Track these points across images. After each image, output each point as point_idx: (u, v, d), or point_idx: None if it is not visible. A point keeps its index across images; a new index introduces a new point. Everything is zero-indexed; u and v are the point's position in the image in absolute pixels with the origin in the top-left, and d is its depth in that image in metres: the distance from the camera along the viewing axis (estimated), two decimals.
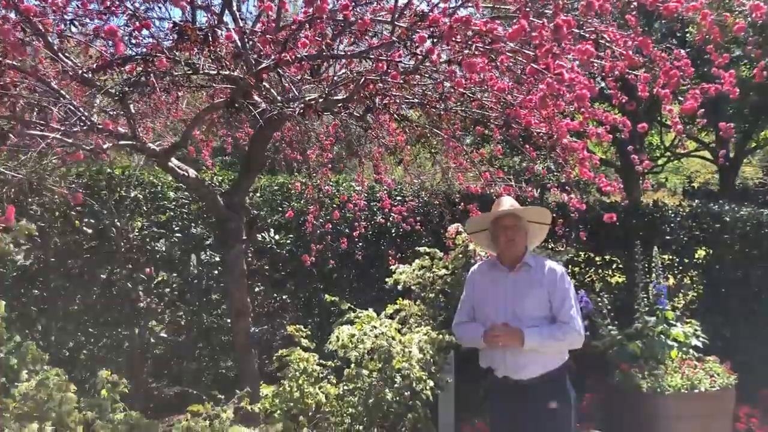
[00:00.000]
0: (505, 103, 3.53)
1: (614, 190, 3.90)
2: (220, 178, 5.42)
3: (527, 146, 4.23)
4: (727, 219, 6.04)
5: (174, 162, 3.56)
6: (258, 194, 5.64)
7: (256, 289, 5.47)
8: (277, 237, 5.51)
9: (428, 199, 6.56)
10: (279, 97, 3.70)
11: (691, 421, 4.47)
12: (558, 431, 3.18)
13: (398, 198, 6.26)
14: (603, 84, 7.29)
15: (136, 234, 4.82)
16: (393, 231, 6.34)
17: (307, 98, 3.57)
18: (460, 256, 5.19)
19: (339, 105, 3.79)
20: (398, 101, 3.57)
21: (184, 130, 3.54)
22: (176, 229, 5.07)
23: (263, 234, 5.44)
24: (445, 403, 5.13)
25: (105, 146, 3.04)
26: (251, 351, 4.04)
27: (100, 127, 3.26)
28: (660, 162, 12.62)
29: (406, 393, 4.63)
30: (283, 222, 5.65)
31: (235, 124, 5.42)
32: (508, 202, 3.45)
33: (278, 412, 4.34)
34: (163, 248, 4.88)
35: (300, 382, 4.49)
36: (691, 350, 4.86)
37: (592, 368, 5.48)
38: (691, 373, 4.56)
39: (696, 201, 6.57)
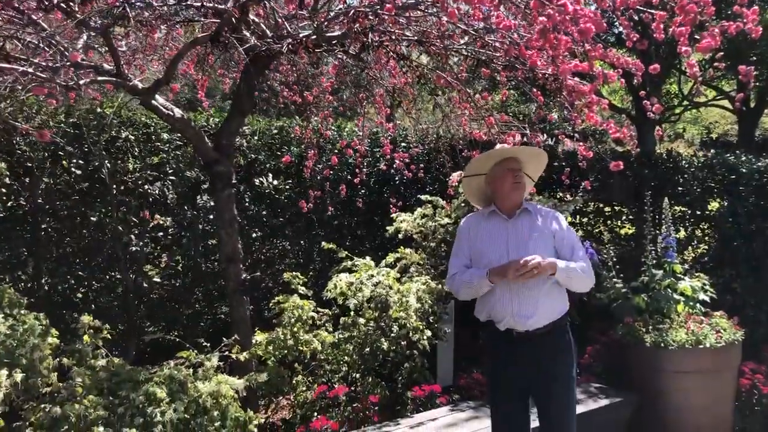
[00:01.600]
0: (511, 42, 3.31)
1: (624, 137, 3.70)
2: (217, 120, 5.24)
3: (534, 90, 4.01)
4: (743, 170, 5.81)
5: (159, 100, 3.39)
6: (256, 138, 5.47)
7: (254, 235, 5.35)
8: (275, 182, 5.36)
9: (432, 145, 6.38)
10: (269, 33, 3.50)
11: (695, 377, 4.36)
12: (564, 384, 3.05)
13: (402, 145, 6.08)
14: (620, 28, 6.97)
15: (129, 176, 4.68)
16: (396, 178, 6.17)
17: (298, 34, 3.37)
18: (463, 205, 5.03)
19: (334, 42, 3.59)
20: (396, 38, 3.35)
21: (167, 66, 3.35)
22: (170, 172, 4.92)
23: (261, 179, 5.29)
24: (444, 353, 5.05)
25: (82, 82, 2.87)
26: (243, 297, 3.94)
27: (80, 62, 3.09)
28: (677, 111, 12.24)
29: (402, 343, 4.55)
30: (282, 167, 5.49)
31: (230, 64, 5.22)
32: (509, 148, 3.25)
33: (271, 359, 4.28)
34: (157, 191, 4.74)
35: (295, 329, 4.42)
36: (698, 305, 4.71)
37: (595, 320, 5.37)
38: (697, 329, 4.42)
39: (712, 151, 6.32)
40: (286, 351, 4.33)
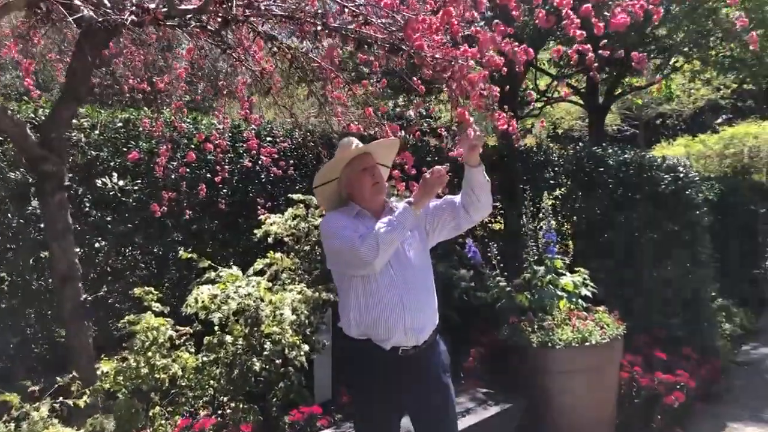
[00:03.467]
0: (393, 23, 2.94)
1: (513, 129, 3.45)
2: (49, 111, 4.44)
3: (415, 78, 3.67)
4: (611, 162, 5.86)
5: None
6: (97, 131, 4.72)
7: (97, 245, 4.61)
8: (121, 183, 4.65)
9: (302, 139, 5.90)
10: (107, 2, 2.87)
11: (581, 375, 4.25)
12: (446, 396, 2.71)
13: (268, 139, 5.56)
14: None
15: None
16: (263, 176, 5.64)
17: (144, 3, 2.78)
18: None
19: (189, 17, 3.03)
20: (264, 12, 2.86)
21: None
22: None
23: (104, 179, 4.56)
24: (322, 366, 4.61)
25: None
26: (83, 322, 3.28)
27: None
28: (538, 106, 12.60)
29: (277, 361, 4.07)
30: (130, 165, 4.78)
31: (64, 46, 4.47)
32: (355, 143, 2.79)
33: (122, 391, 3.64)
34: None
35: (150, 354, 3.80)
36: (580, 300, 4.63)
37: (477, 320, 5.17)
38: (582, 325, 4.32)
39: (580, 144, 6.37)
40: (140, 380, 3.72)
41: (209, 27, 3.01)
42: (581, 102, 13.00)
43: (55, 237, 3.06)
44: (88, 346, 3.26)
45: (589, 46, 2.80)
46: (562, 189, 5.71)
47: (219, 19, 2.88)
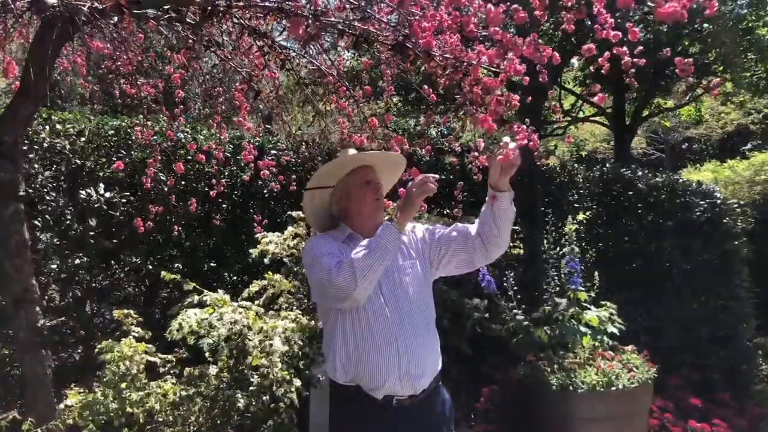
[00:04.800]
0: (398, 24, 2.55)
1: (534, 145, 3.04)
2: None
3: (425, 87, 3.28)
4: (640, 186, 5.41)
5: None
6: (84, 138, 4.38)
7: (78, 262, 4.25)
8: (108, 194, 4.30)
9: (309, 154, 5.53)
10: None
11: (607, 424, 3.78)
12: None
13: (273, 152, 5.20)
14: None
15: None
16: (265, 191, 5.27)
17: None
18: None
19: (167, 7, 2.67)
20: (248, 4, 2.49)
21: None
22: None
23: (88, 190, 4.21)
24: (318, 403, 4.18)
25: None
26: (40, 351, 2.89)
27: None
28: (563, 125, 12.17)
29: (265, 397, 3.66)
30: (120, 176, 4.44)
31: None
32: (357, 155, 2.42)
33: (90, 427, 3.25)
34: None
35: (123, 386, 3.42)
36: (605, 338, 4.16)
37: (490, 354, 4.72)
38: (608, 367, 3.86)
39: (607, 165, 5.91)
40: (111, 414, 3.34)
41: (188, 20, 2.65)
42: (607, 123, 12.55)
43: (8, 254, 2.69)
44: (45, 378, 2.88)
45: (625, 48, 2.40)
46: (587, 213, 5.25)
47: (199, 11, 2.52)
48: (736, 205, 5.34)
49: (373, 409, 2.19)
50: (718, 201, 5.16)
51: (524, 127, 2.79)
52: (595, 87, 6.28)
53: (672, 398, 4.56)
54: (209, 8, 2.46)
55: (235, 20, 2.68)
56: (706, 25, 9.95)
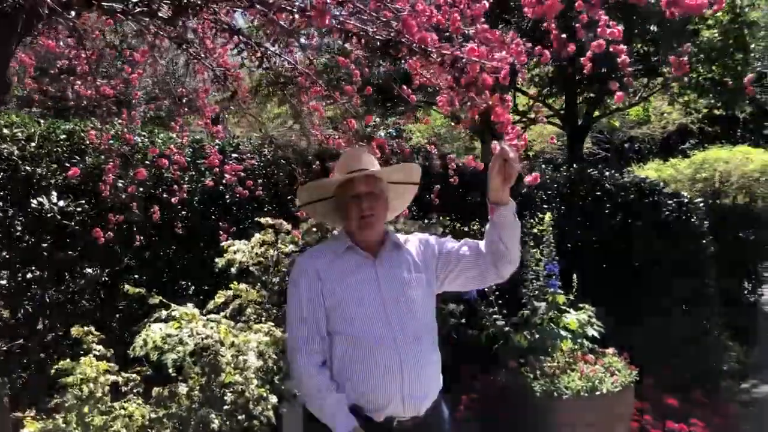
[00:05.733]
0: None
1: (524, 145, 2.95)
2: None
3: (404, 87, 3.16)
4: (608, 186, 5.40)
5: None
6: (34, 143, 4.08)
7: (29, 276, 3.95)
8: (61, 203, 4.02)
9: (272, 157, 5.33)
10: None
11: (590, 429, 3.72)
12: None
13: (234, 156, 4.98)
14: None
15: None
16: (227, 197, 5.04)
17: None
18: (314, 229, 4.04)
19: (136, 2, 2.46)
20: None
21: None
22: None
23: (40, 199, 3.92)
24: (291, 419, 3.99)
25: None
26: None
27: None
28: (519, 126, 12.21)
29: (240, 417, 3.45)
30: (74, 184, 4.16)
31: None
32: (359, 158, 2.23)
33: None
34: None
35: (85, 410, 3.17)
36: (585, 341, 4.10)
37: (467, 361, 4.61)
38: (591, 371, 3.80)
39: (574, 165, 5.89)
40: None
41: (160, 14, 2.44)
42: (560, 123, 12.66)
43: None
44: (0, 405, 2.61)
45: (623, 47, 2.30)
46: (554, 215, 5.21)
47: (171, 4, 2.31)
48: (702, 204, 5.39)
49: (371, 429, 2.03)
50: (686, 200, 5.19)
51: (517, 128, 2.69)
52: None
53: (648, 399, 4.54)
54: (186, 1, 2.26)
55: (210, 16, 2.49)
56: (654, 27, 10.14)
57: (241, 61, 2.90)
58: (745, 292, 8.88)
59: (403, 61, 2.70)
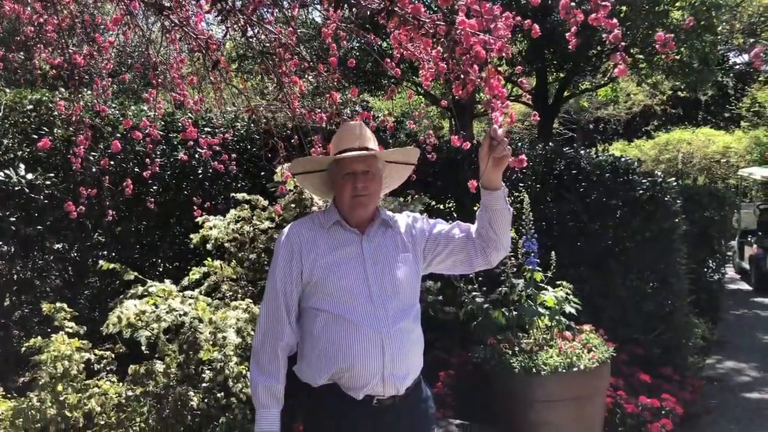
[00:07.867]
0: None
1: (512, 122, 2.91)
2: None
3: (388, 60, 3.10)
4: (583, 164, 5.42)
5: None
6: (0, 114, 3.93)
7: None
8: (30, 176, 3.88)
9: (246, 131, 5.23)
10: None
11: (568, 404, 3.76)
12: None
13: (206, 129, 4.87)
14: None
15: None
16: (199, 172, 4.94)
17: None
18: (293, 205, 3.97)
19: None
20: None
21: None
22: None
23: (7, 171, 3.78)
24: None
25: None
26: None
27: None
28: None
29: (219, 394, 3.40)
30: (42, 156, 4.02)
31: None
32: (357, 133, 2.15)
33: None
34: None
35: (59, 388, 3.08)
36: (562, 318, 4.13)
37: (444, 338, 4.63)
38: (569, 348, 3.83)
39: (549, 144, 5.89)
40: (47, 421, 3.00)
41: None
42: (530, 104, 12.73)
43: None
44: None
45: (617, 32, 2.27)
46: (528, 192, 5.23)
47: None
48: (675, 184, 5.45)
49: (350, 410, 2.00)
50: (659, 179, 5.24)
51: (507, 102, 2.65)
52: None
53: (622, 375, 4.61)
54: None
55: None
56: (623, 7, 10.18)
57: (224, 29, 2.79)
58: (709, 270, 9.08)
59: (387, 34, 2.65)
